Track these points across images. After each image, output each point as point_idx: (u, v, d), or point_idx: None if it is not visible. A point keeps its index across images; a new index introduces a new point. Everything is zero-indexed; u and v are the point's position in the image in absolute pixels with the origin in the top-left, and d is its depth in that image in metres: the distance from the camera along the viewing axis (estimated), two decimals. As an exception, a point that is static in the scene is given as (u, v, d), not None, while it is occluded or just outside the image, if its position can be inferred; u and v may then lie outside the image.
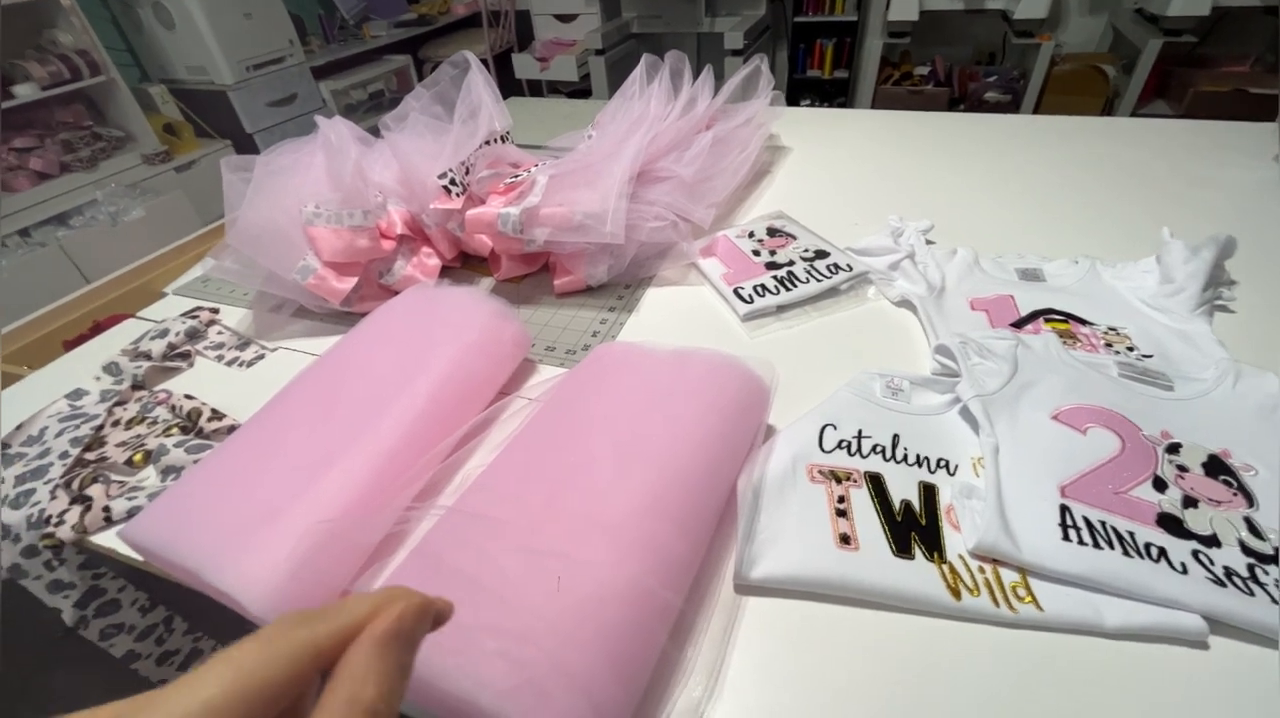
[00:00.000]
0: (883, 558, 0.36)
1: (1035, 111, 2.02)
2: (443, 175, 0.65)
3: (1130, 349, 0.51)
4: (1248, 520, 0.37)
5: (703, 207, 0.69)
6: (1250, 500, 0.38)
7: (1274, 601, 0.33)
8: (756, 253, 0.66)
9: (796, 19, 2.51)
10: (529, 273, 0.69)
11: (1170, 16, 1.78)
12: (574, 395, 0.44)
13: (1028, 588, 0.35)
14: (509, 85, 2.72)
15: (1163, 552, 0.35)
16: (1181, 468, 0.40)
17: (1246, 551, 0.36)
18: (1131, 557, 0.35)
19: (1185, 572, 0.34)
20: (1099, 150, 0.87)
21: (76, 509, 0.44)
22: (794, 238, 0.69)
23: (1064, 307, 0.57)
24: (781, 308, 0.60)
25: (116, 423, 0.52)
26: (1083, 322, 0.55)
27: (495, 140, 0.71)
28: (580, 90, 2.76)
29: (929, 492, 0.40)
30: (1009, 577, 0.36)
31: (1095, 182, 0.79)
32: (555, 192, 0.62)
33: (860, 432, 0.44)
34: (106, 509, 0.44)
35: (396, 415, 0.43)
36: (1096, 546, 0.36)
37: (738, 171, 0.76)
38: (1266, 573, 0.35)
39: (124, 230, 1.75)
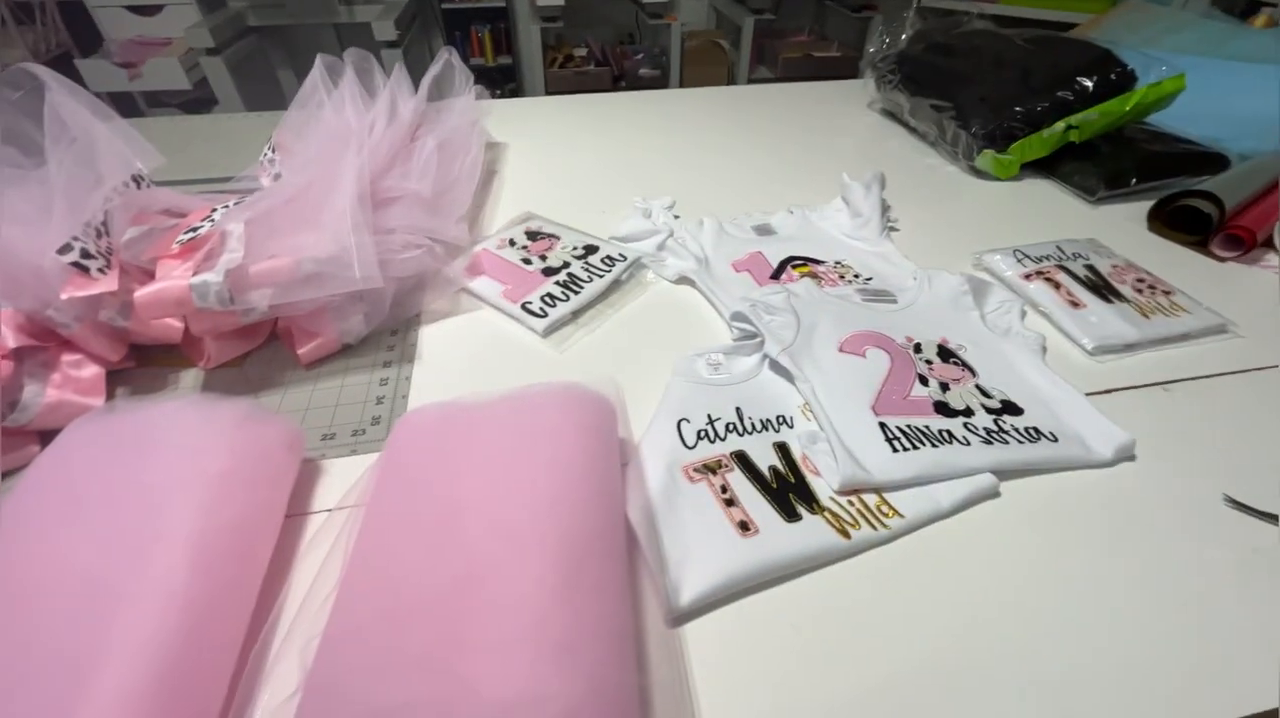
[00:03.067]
0: (780, 530, 0.38)
1: (681, 82, 2.32)
2: (65, 249, 0.45)
3: (857, 277, 0.62)
4: (978, 388, 0.49)
5: (453, 222, 0.61)
6: (972, 372, 0.50)
7: (1021, 440, 0.44)
8: (527, 261, 0.62)
9: (444, 5, 2.41)
10: (251, 349, 0.53)
11: (753, -2, 2.20)
12: (408, 489, 0.35)
13: (888, 503, 0.40)
14: (85, 102, 2.04)
15: (950, 434, 0.44)
16: (928, 362, 0.51)
17: (987, 410, 0.47)
18: (938, 446, 0.43)
19: (968, 443, 0.44)
20: (764, 112, 1.03)
21: None
22: (557, 238, 0.66)
23: (799, 252, 0.66)
24: (575, 313, 0.57)
25: None
26: (817, 262, 0.65)
27: (131, 184, 0.52)
28: (198, 100, 2.24)
29: (784, 450, 0.43)
30: (870, 499, 0.41)
31: (775, 140, 0.94)
32: (262, 240, 0.48)
33: (709, 416, 0.45)
34: None
35: (152, 622, 0.28)
36: (915, 447, 0.43)
37: (472, 178, 0.70)
38: (1004, 421, 0.46)
39: None
